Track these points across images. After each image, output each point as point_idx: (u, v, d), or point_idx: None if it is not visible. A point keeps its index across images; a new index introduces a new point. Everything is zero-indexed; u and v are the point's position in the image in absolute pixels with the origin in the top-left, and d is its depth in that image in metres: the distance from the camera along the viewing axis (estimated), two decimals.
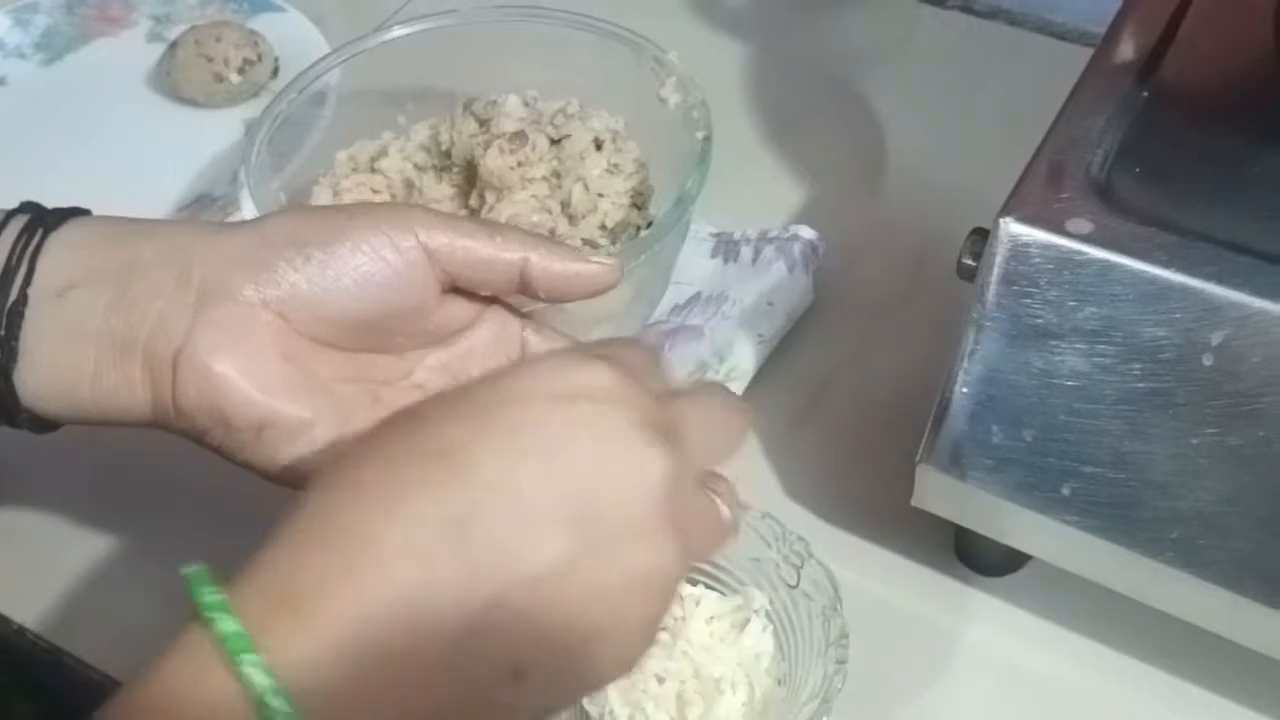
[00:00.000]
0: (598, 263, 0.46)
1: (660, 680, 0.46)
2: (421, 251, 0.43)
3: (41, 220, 0.43)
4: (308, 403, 0.42)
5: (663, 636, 0.47)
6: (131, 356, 0.42)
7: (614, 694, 0.46)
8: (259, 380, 0.41)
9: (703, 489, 0.37)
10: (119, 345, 0.42)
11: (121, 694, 0.31)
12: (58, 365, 0.42)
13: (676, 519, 0.34)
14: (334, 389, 0.43)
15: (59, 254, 0.43)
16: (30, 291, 0.42)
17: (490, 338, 0.47)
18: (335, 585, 0.32)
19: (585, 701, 0.46)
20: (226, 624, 0.31)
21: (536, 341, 0.48)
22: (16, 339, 0.42)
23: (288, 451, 0.42)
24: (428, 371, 0.46)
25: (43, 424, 0.44)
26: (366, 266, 0.42)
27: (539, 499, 0.33)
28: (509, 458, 0.34)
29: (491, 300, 0.47)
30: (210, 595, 0.32)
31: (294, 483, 0.42)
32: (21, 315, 0.42)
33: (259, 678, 0.30)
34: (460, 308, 0.46)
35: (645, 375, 0.37)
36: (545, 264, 0.44)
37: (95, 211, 0.45)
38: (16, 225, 0.43)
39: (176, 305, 0.41)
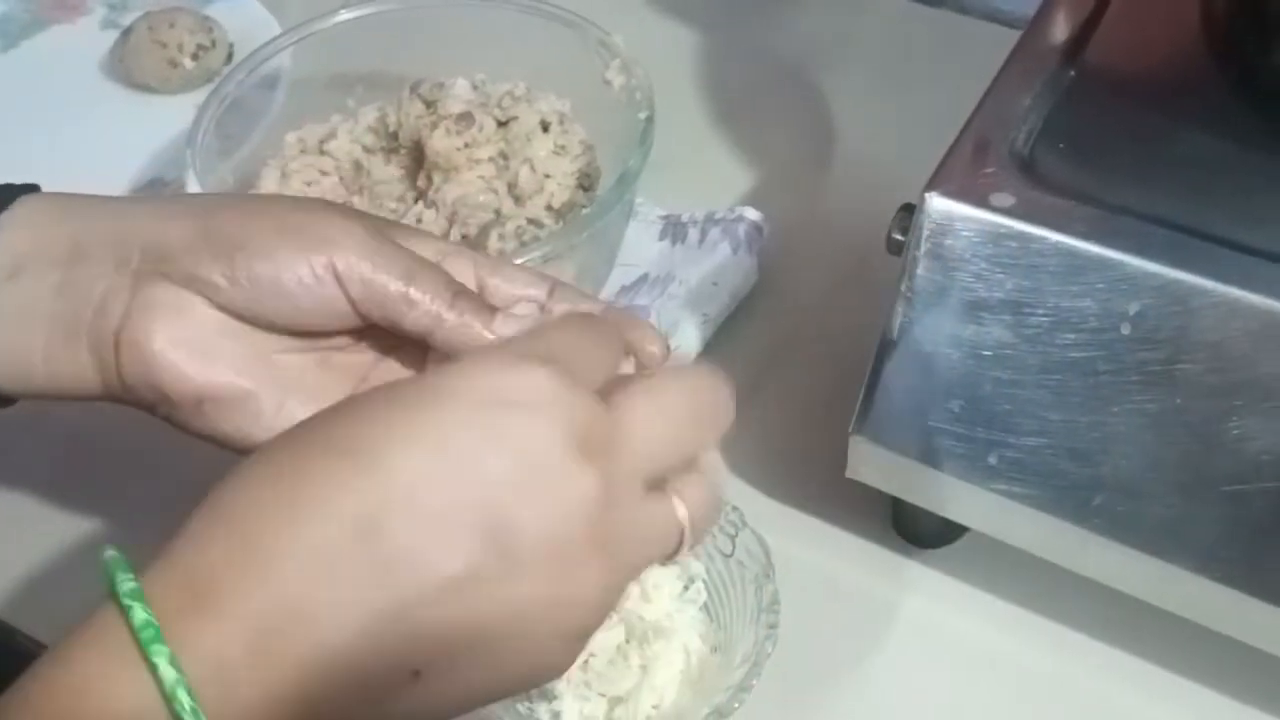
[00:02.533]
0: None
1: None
2: (340, 289, 0.42)
3: None
4: (248, 375, 0.43)
5: None
6: (77, 338, 0.43)
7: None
8: (194, 356, 0.42)
9: (653, 494, 0.35)
10: (66, 327, 0.43)
11: (34, 677, 0.31)
12: (11, 345, 0.43)
13: (605, 541, 0.33)
14: (276, 360, 0.44)
15: (8, 235, 0.43)
16: None
17: None
18: (233, 581, 0.31)
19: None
20: (138, 614, 0.31)
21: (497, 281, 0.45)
22: None
23: (231, 423, 0.43)
24: (378, 333, 0.45)
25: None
26: (290, 289, 0.42)
27: (452, 507, 0.32)
28: (425, 463, 0.32)
29: None
30: (127, 582, 0.31)
31: (245, 452, 0.41)
32: None
33: (167, 671, 0.30)
34: None
35: (595, 365, 0.36)
36: (447, 339, 0.43)
37: None
38: None
39: (116, 288, 0.42)
